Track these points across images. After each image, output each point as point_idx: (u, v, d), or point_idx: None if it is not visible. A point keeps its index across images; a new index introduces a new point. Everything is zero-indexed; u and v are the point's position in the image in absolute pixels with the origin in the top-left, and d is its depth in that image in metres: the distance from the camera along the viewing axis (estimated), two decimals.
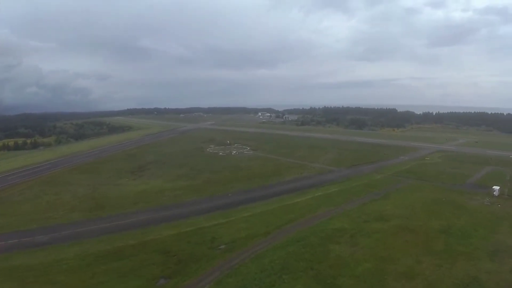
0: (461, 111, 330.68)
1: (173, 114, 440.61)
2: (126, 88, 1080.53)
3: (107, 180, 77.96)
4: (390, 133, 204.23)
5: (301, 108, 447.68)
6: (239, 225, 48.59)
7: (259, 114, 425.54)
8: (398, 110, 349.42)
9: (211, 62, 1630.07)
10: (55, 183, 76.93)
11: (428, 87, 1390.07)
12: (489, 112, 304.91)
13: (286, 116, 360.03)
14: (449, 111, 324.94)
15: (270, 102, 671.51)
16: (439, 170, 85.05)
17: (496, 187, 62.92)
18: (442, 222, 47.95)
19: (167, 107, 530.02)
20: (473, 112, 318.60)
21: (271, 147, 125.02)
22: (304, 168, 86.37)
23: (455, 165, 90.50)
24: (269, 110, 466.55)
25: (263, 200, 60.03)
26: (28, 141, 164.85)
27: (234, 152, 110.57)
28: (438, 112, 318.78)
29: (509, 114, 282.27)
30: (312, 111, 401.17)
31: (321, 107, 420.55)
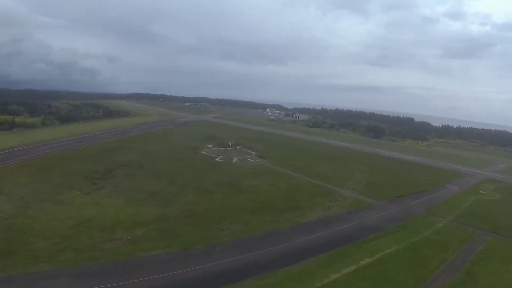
0: (472, 126, 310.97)
1: (178, 103, 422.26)
2: (134, 72, 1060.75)
3: (50, 191, 54.58)
4: (414, 146, 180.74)
5: (311, 108, 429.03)
6: None
7: (267, 110, 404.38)
8: (415, 120, 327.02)
9: (221, 53, 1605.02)
10: None
11: (437, 98, 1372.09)
12: (508, 131, 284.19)
13: (297, 115, 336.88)
14: (463, 126, 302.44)
15: (278, 98, 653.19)
16: (510, 213, 62.37)
17: None
18: None
19: (173, 95, 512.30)
20: (493, 130, 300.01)
21: (282, 154, 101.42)
22: (331, 198, 62.15)
23: None
24: (277, 107, 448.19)
25: (271, 268, 34.82)
26: (3, 120, 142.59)
27: (236, 159, 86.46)
28: (459, 126, 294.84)
29: None
30: (323, 112, 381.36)
31: (332, 109, 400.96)
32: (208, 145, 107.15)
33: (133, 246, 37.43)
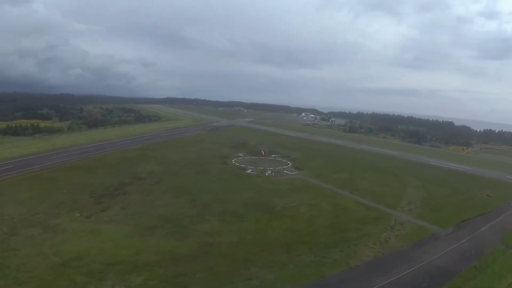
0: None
1: (212, 107, 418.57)
2: (170, 77, 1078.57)
3: (46, 212, 45.39)
4: (460, 153, 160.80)
5: (347, 112, 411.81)
6: None
7: (303, 114, 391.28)
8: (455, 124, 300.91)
9: (255, 57, 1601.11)
10: None
11: (474, 101, 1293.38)
12: None
13: (333, 119, 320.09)
14: (505, 130, 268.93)
15: (313, 102, 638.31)
16: None
17: None
18: None
19: (207, 99, 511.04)
20: None
21: (321, 165, 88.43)
22: (386, 224, 48.48)
23: None
24: (313, 111, 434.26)
25: None
26: (28, 124, 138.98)
27: (270, 171, 74.34)
28: (501, 130, 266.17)
29: None
30: (359, 116, 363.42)
31: (369, 113, 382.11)
32: (240, 154, 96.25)
33: None
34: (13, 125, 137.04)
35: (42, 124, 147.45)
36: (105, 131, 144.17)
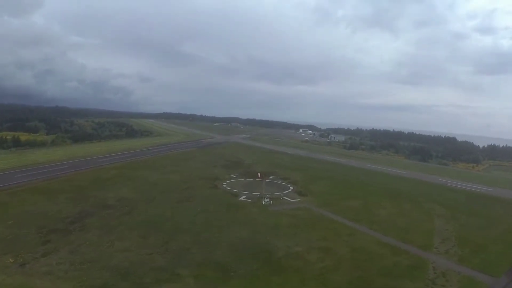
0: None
1: (208, 122, 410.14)
2: (167, 92, 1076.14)
3: None
4: (471, 171, 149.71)
5: (345, 128, 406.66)
6: None
7: (301, 130, 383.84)
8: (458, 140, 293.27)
9: (252, 73, 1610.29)
10: None
11: (470, 116, 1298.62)
12: None
13: (332, 136, 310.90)
14: (510, 145, 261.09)
15: (310, 118, 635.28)
16: None
17: None
18: None
19: (204, 114, 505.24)
20: None
21: (327, 189, 76.36)
22: (424, 277, 36.09)
23: None
24: (311, 127, 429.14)
25: None
26: (9, 137, 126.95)
27: (267, 199, 61.16)
28: (506, 145, 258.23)
29: None
30: (358, 132, 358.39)
31: (368, 129, 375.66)
32: (232, 175, 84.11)
33: None
34: None
35: (24, 137, 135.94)
36: (90, 145, 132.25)
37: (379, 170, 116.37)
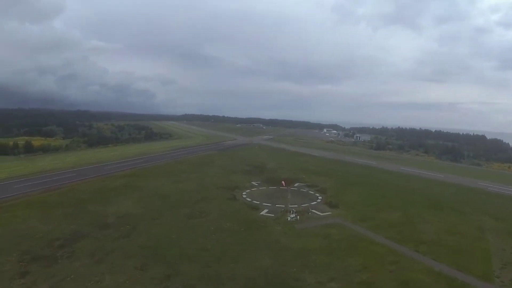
0: None
1: (230, 123, 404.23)
2: (189, 94, 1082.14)
3: None
4: (509, 172, 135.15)
5: (370, 127, 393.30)
6: None
7: (325, 130, 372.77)
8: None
9: (274, 74, 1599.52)
10: None
11: (495, 113, 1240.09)
12: None
13: (358, 135, 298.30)
14: None
15: (333, 118, 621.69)
16: None
17: None
18: None
19: (226, 115, 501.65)
20: None
21: (361, 198, 66.38)
22: None
23: None
24: (334, 126, 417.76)
25: None
26: (21, 143, 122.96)
27: (293, 214, 51.58)
28: None
29: None
30: (384, 131, 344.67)
31: (393, 127, 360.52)
32: (254, 182, 75.62)
33: None
34: (7, 142, 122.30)
35: (38, 142, 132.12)
36: (105, 150, 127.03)
37: (413, 173, 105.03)
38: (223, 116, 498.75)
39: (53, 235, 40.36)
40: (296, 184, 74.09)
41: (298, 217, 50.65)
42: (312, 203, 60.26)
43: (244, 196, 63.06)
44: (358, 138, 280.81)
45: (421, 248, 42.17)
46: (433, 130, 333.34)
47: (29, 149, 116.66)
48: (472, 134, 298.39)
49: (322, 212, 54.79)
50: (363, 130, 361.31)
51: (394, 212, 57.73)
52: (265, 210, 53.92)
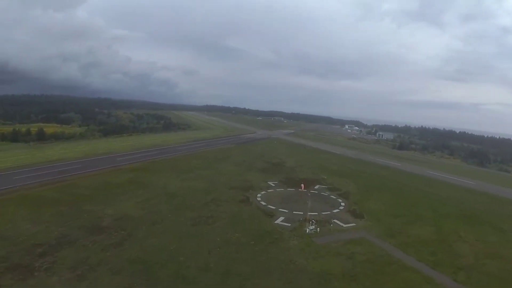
0: None
1: (251, 116, 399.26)
2: (212, 85, 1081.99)
3: None
4: None
5: (393, 125, 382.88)
6: None
7: (346, 126, 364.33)
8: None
9: (296, 68, 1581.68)
10: None
11: None
12: None
13: (380, 133, 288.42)
14: None
15: (355, 114, 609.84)
16: None
17: None
18: None
19: (247, 107, 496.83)
20: None
21: (387, 206, 58.91)
22: None
23: None
24: (356, 123, 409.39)
25: None
26: (33, 130, 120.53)
27: (312, 226, 45.04)
28: None
29: None
30: (406, 130, 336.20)
31: (416, 126, 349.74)
32: (270, 182, 69.32)
33: None
34: (20, 129, 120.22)
35: (52, 129, 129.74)
36: (119, 140, 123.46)
37: (441, 178, 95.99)
38: (244, 108, 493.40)
39: (36, 239, 35.42)
40: (316, 187, 67.35)
41: (318, 229, 44.02)
42: (334, 211, 53.43)
43: (259, 199, 56.77)
44: (381, 136, 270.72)
45: (459, 276, 35.00)
46: (458, 131, 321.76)
47: (41, 137, 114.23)
48: (498, 137, 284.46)
49: (345, 223, 47.90)
50: (385, 128, 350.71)
51: (426, 226, 50.29)
52: (281, 218, 47.43)
